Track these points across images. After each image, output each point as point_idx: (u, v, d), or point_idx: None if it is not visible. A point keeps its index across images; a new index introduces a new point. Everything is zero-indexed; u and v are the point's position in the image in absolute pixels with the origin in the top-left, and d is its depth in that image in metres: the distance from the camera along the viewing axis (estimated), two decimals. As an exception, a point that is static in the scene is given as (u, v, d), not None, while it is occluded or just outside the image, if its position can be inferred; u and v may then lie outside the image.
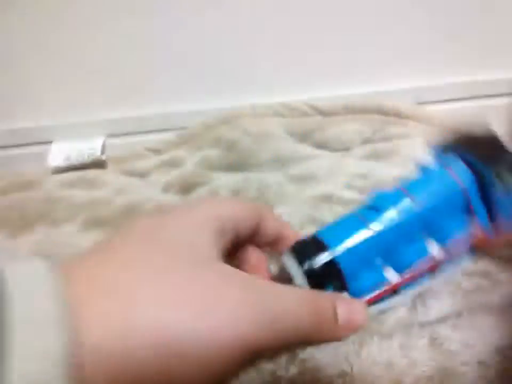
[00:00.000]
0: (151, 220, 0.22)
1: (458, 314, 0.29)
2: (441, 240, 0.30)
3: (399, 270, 0.29)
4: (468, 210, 0.30)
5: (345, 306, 0.24)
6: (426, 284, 0.31)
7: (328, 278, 0.28)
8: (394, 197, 0.30)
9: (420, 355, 0.26)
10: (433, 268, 0.30)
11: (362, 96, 0.59)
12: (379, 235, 0.29)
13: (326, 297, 0.25)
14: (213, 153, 0.54)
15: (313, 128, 0.56)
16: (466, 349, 0.27)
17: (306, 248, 0.29)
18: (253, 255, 0.29)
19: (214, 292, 0.19)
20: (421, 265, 0.30)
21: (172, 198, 0.50)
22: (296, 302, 0.22)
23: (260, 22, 0.56)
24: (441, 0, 0.56)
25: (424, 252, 0.30)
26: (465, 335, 0.27)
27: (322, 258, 0.28)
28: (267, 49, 0.58)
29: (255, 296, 0.21)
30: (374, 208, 0.30)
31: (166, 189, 0.52)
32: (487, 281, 0.34)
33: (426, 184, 0.31)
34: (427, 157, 0.32)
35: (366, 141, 0.55)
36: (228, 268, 0.21)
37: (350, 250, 0.28)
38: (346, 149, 0.54)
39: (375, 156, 0.51)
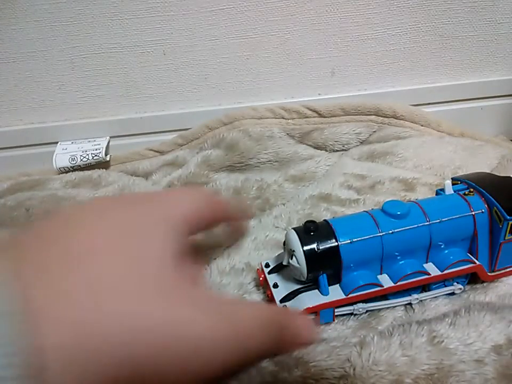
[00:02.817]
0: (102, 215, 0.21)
1: (456, 313, 0.29)
2: (440, 263, 0.32)
3: (394, 278, 0.31)
4: (473, 240, 0.32)
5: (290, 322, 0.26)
6: (414, 296, 0.32)
7: (326, 264, 0.30)
8: (410, 208, 0.31)
9: (419, 353, 0.26)
10: (425, 284, 0.32)
11: (359, 98, 0.59)
12: (385, 241, 0.30)
13: (285, 316, 0.26)
14: (214, 153, 0.54)
15: (312, 129, 0.56)
16: (465, 347, 0.27)
17: (319, 233, 0.30)
18: None
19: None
20: (415, 279, 0.31)
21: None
22: (258, 327, 0.23)
23: (260, 23, 0.56)
24: (438, 4, 0.57)
25: (421, 268, 0.31)
26: (463, 333, 0.27)
27: (328, 244, 0.29)
28: (268, 52, 0.58)
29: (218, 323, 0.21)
30: (388, 215, 0.31)
31: (168, 188, 0.52)
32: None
33: (442, 206, 0.32)
34: (447, 187, 0.34)
35: (363, 142, 0.55)
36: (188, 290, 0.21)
37: (355, 246, 0.30)
38: (344, 149, 0.55)
39: (372, 157, 0.52)
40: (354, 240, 0.30)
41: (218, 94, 0.60)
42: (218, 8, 0.55)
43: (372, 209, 0.33)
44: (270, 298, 0.32)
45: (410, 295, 0.32)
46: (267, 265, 0.34)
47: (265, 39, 0.57)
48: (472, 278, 0.34)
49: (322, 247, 0.29)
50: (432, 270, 0.32)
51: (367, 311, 0.32)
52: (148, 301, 0.19)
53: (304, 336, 0.27)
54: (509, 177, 0.35)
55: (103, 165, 0.58)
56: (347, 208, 0.44)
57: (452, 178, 0.35)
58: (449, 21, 0.58)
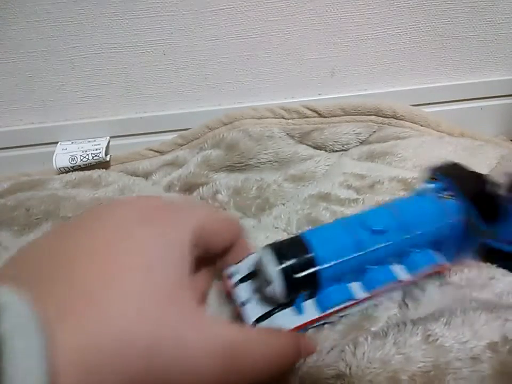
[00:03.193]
0: (114, 223, 0.21)
1: (452, 312, 0.29)
2: (410, 266, 0.31)
3: (368, 288, 0.30)
4: (442, 243, 0.32)
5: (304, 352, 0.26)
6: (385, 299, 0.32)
7: (304, 285, 0.28)
8: (391, 221, 0.30)
9: (414, 352, 0.26)
10: (396, 288, 0.32)
11: (359, 98, 0.59)
12: (364, 258, 0.29)
13: (290, 340, 0.25)
14: (214, 153, 0.54)
15: (312, 129, 0.56)
16: (460, 345, 0.27)
17: (290, 249, 0.28)
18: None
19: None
20: (387, 286, 0.30)
21: (174, 197, 0.50)
22: (264, 356, 0.22)
23: (260, 23, 0.56)
24: (438, 4, 0.57)
25: (392, 274, 0.31)
26: (458, 332, 0.27)
27: (307, 270, 0.27)
28: (268, 52, 0.58)
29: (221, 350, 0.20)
30: (369, 230, 0.29)
31: (169, 188, 0.52)
32: (477, 276, 0.34)
33: (420, 213, 0.31)
34: (422, 184, 0.33)
35: (363, 142, 0.55)
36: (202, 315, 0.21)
37: (334, 268, 0.28)
38: (343, 149, 0.55)
39: (372, 157, 0.52)
40: (334, 262, 0.28)
41: (218, 94, 0.60)
42: (218, 8, 0.55)
43: (352, 215, 0.31)
44: (238, 317, 0.29)
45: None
46: (232, 274, 0.30)
47: (265, 39, 0.57)
48: None
49: (302, 274, 0.27)
50: (402, 274, 0.31)
51: (341, 316, 0.31)
52: (163, 315, 0.19)
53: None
54: (488, 176, 0.34)
55: (103, 165, 0.58)
56: (346, 207, 0.44)
57: (430, 171, 0.34)
58: (449, 21, 0.58)
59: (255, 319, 0.28)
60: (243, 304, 0.28)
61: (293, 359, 0.25)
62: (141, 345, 0.18)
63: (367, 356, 0.26)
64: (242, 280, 0.29)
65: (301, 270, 0.27)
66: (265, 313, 0.28)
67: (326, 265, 0.28)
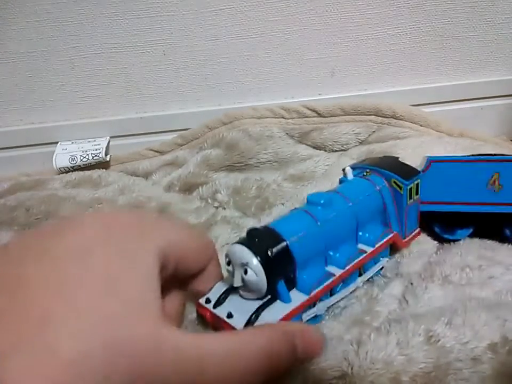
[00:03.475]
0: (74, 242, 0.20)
1: (452, 312, 0.29)
2: (368, 240, 0.34)
3: (339, 265, 0.31)
4: (384, 213, 0.36)
5: (301, 340, 0.24)
6: (358, 280, 0.33)
7: (280, 265, 0.28)
8: (331, 196, 0.33)
9: (416, 352, 0.26)
10: (360, 267, 0.33)
11: (359, 98, 0.59)
12: (325, 230, 0.31)
13: (282, 335, 0.23)
14: (214, 153, 0.54)
15: (311, 129, 0.56)
16: (461, 346, 0.27)
17: (264, 238, 0.28)
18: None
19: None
20: (358, 259, 0.32)
21: (174, 197, 0.50)
22: (255, 358, 0.21)
23: (260, 23, 0.56)
24: (438, 4, 0.57)
25: (356, 248, 0.33)
26: (459, 333, 0.27)
27: (278, 245, 0.28)
28: (268, 52, 0.58)
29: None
30: (316, 205, 0.32)
31: (169, 188, 0.52)
32: (478, 274, 0.34)
33: (354, 188, 0.35)
34: (349, 173, 0.37)
35: (362, 142, 0.55)
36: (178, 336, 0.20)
37: (302, 241, 0.29)
38: (343, 149, 0.55)
39: (371, 156, 0.52)
40: (300, 235, 0.29)
41: (218, 94, 0.60)
42: (218, 8, 0.55)
43: (298, 206, 0.33)
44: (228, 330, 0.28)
45: (355, 280, 0.33)
46: (208, 301, 0.30)
47: (265, 39, 0.57)
48: (391, 250, 0.37)
49: (275, 250, 0.28)
50: (365, 248, 0.33)
51: (328, 308, 0.32)
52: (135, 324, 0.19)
53: (314, 350, 0.25)
54: (389, 155, 0.41)
55: (103, 165, 0.58)
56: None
57: (343, 170, 0.38)
58: (449, 21, 0.58)
59: (244, 324, 0.27)
60: (228, 317, 0.28)
61: (287, 357, 0.23)
62: (96, 364, 0.17)
63: (370, 356, 0.26)
64: (219, 301, 0.29)
65: (272, 247, 0.28)
66: (252, 314, 0.28)
67: (293, 238, 0.29)
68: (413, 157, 0.50)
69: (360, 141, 0.55)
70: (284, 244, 0.28)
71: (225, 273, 0.30)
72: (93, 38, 0.56)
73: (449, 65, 0.61)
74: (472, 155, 0.40)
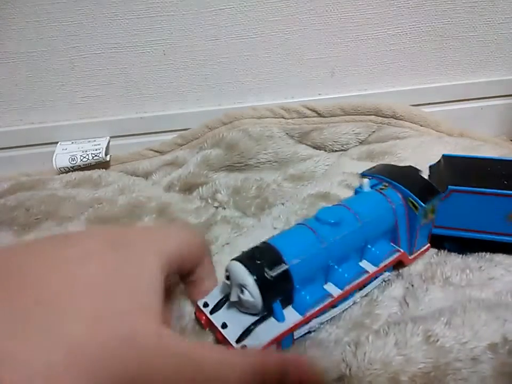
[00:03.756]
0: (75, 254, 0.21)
1: (452, 312, 0.29)
2: (372, 258, 0.33)
3: (340, 285, 0.31)
4: (394, 230, 0.34)
5: (294, 370, 0.24)
6: (357, 295, 0.33)
7: (278, 287, 0.28)
8: (342, 213, 0.31)
9: (415, 352, 0.27)
10: (364, 283, 0.32)
11: (359, 98, 0.59)
12: (328, 251, 0.30)
13: (273, 362, 0.24)
14: (213, 153, 0.54)
15: (311, 129, 0.56)
16: (460, 346, 0.27)
17: (264, 258, 0.28)
18: None
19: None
20: (359, 280, 0.31)
21: (174, 197, 0.50)
22: (248, 372, 0.22)
23: (260, 23, 0.56)
24: (438, 4, 0.57)
25: (360, 268, 0.32)
26: (458, 333, 0.28)
27: (278, 268, 0.27)
28: (268, 52, 0.58)
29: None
30: (324, 223, 0.30)
31: (169, 188, 0.52)
32: (478, 275, 0.34)
33: (367, 204, 0.33)
34: (363, 183, 0.35)
35: (362, 142, 0.55)
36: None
37: (303, 264, 0.28)
38: (343, 149, 0.55)
39: (371, 157, 0.52)
40: (302, 257, 0.28)
41: (218, 94, 0.60)
42: (218, 8, 0.55)
43: (305, 219, 0.32)
44: (222, 341, 0.28)
45: (353, 295, 0.32)
46: (206, 305, 0.30)
47: (265, 39, 0.57)
48: (396, 265, 0.36)
49: (274, 273, 0.27)
50: (368, 267, 0.32)
51: (321, 324, 0.31)
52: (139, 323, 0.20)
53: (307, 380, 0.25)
54: (410, 166, 0.39)
55: (103, 165, 0.58)
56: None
57: (361, 174, 0.37)
58: (449, 21, 0.58)
59: (237, 338, 0.27)
60: (223, 327, 0.28)
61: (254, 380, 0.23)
62: (103, 356, 0.18)
63: (368, 357, 0.26)
64: (216, 307, 0.30)
65: (272, 271, 0.27)
66: (246, 329, 0.28)
67: (295, 261, 0.28)
68: (413, 157, 0.50)
69: (360, 141, 0.55)
70: (284, 267, 0.27)
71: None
72: (93, 38, 0.56)
73: (449, 65, 0.61)
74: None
